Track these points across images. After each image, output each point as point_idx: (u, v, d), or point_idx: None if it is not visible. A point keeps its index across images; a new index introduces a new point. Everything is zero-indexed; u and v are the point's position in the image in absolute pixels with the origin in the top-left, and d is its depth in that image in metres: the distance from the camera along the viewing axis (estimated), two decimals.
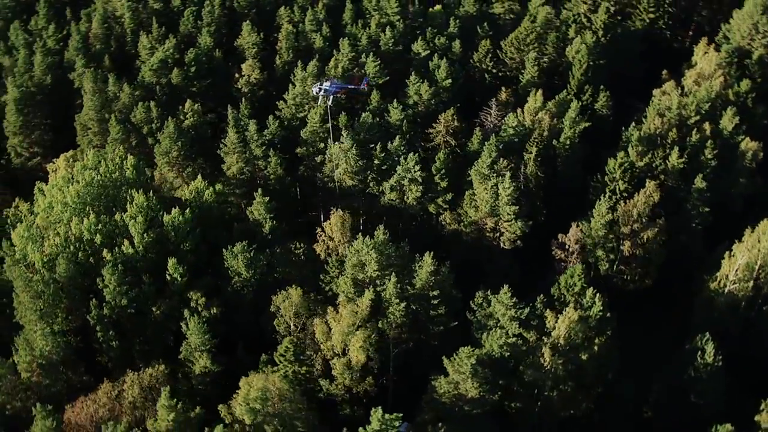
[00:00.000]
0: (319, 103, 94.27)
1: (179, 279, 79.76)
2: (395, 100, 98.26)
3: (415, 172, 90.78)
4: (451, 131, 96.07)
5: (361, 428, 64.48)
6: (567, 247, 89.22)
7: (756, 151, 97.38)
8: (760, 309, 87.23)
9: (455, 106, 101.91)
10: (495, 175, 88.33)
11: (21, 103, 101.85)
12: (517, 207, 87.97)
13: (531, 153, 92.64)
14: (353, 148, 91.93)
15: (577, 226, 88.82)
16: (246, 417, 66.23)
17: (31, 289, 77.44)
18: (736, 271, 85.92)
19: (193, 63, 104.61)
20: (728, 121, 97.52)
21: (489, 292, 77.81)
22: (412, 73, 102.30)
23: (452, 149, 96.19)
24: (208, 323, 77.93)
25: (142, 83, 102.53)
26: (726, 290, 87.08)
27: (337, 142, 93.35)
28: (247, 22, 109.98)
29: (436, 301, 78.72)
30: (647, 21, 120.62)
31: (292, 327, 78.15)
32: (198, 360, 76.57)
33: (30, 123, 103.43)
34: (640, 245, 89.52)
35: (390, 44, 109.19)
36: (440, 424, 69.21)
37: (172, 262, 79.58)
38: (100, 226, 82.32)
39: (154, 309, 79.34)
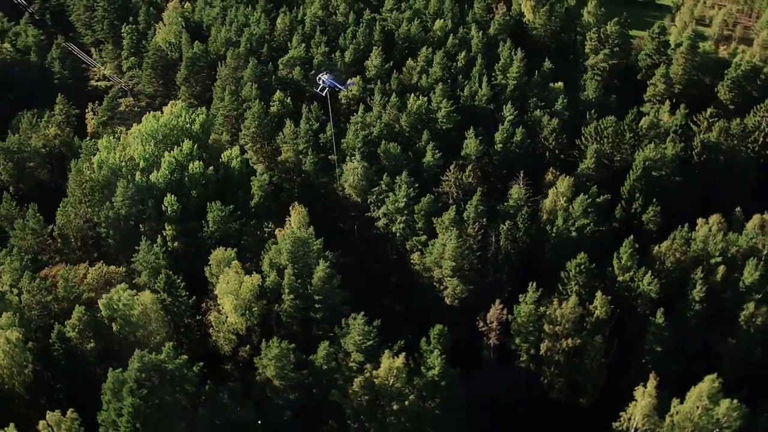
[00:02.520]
0: (318, 90, 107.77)
1: (169, 212, 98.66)
2: (433, 143, 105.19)
3: (401, 202, 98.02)
4: (458, 184, 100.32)
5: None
6: (490, 322, 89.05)
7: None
8: None
9: (502, 171, 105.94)
10: (453, 229, 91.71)
11: (191, 62, 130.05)
12: (454, 263, 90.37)
13: (505, 227, 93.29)
14: (361, 168, 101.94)
15: (500, 304, 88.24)
16: (102, 309, 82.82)
17: (79, 179, 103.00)
18: (635, 421, 78.55)
19: (316, 66, 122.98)
20: (749, 274, 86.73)
21: (356, 315, 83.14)
22: (471, 128, 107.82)
23: (455, 200, 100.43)
24: (169, 253, 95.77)
25: (271, 71, 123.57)
26: None
27: (350, 158, 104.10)
28: (379, 48, 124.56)
29: (318, 305, 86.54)
30: None
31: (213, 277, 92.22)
32: (142, 273, 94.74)
33: (195, 79, 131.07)
34: (560, 351, 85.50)
35: (483, 101, 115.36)
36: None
37: (169, 197, 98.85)
38: (146, 155, 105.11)
39: (141, 226, 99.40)
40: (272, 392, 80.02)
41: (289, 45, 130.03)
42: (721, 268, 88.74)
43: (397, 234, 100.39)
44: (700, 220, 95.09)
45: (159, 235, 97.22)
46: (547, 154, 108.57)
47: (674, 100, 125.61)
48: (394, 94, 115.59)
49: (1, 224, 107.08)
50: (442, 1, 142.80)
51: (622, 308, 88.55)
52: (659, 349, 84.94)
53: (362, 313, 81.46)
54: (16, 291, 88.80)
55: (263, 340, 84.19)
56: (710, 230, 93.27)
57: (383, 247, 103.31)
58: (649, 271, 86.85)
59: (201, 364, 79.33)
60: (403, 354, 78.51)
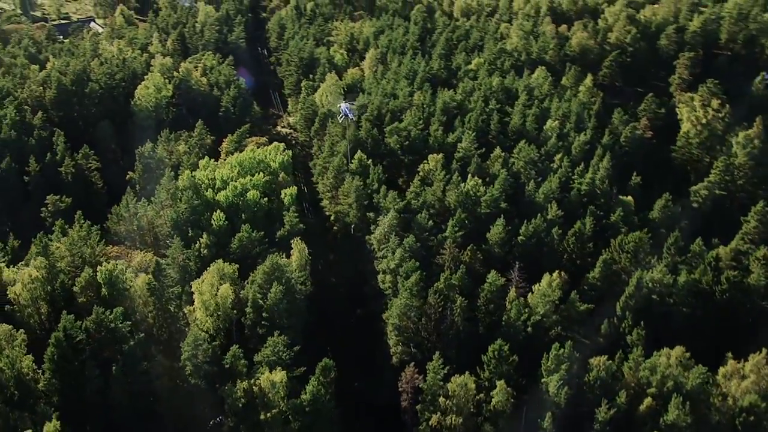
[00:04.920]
0: (339, 117, 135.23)
1: (214, 225, 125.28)
2: (455, 226, 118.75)
3: (392, 262, 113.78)
4: (452, 258, 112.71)
5: None
6: (405, 382, 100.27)
7: None
8: None
9: (513, 260, 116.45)
10: (412, 296, 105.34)
11: (324, 117, 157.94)
12: (397, 321, 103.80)
13: (458, 303, 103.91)
14: (389, 226, 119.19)
15: (415, 367, 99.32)
16: (99, 274, 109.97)
17: (167, 186, 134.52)
18: None
19: (413, 139, 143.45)
20: (671, 411, 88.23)
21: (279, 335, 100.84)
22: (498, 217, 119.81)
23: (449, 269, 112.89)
24: (200, 257, 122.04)
25: (376, 135, 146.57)
26: None
27: (384, 214, 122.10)
28: (473, 134, 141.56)
29: (264, 323, 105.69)
30: None
31: None
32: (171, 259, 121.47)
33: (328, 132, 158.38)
34: (450, 428, 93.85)
35: (542, 198, 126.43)
36: None
37: (217, 213, 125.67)
38: (225, 177, 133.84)
39: (189, 231, 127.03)
40: (184, 375, 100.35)
41: (402, 117, 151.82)
42: (648, 400, 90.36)
43: (386, 290, 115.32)
44: (664, 350, 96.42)
45: (198, 241, 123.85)
46: (564, 256, 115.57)
47: None
48: (457, 173, 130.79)
49: None
50: (581, 108, 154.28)
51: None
52: None
53: (278, 333, 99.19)
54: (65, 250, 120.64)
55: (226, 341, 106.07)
56: (667, 361, 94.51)
57: (381, 299, 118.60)
58: (557, 376, 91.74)
59: (142, 335, 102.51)
60: (285, 372, 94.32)
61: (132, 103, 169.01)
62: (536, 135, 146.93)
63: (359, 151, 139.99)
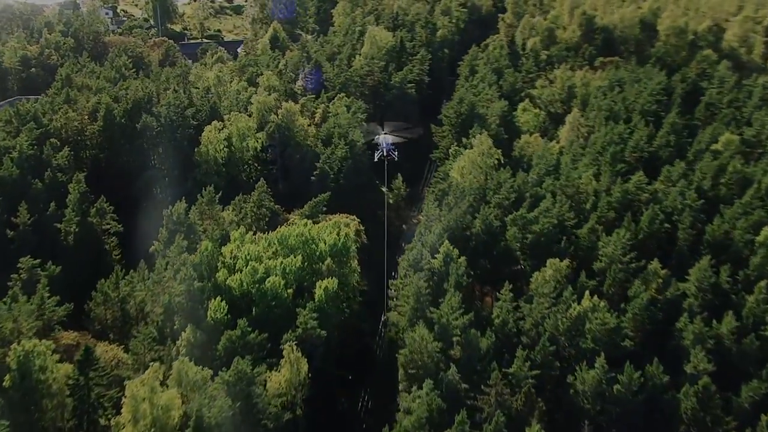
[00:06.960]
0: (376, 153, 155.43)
1: (210, 316, 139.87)
2: (528, 360, 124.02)
3: (412, 401, 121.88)
4: (500, 403, 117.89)
5: None
6: None
7: None
8: None
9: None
10: None
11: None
12: None
13: None
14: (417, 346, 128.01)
15: None
16: (11, 355, 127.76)
17: (173, 259, 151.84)
18: None
19: (539, 234, 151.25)
20: None
21: None
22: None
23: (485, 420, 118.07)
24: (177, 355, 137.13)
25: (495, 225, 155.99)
26: None
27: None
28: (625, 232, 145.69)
29: None
30: None
31: None
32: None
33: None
34: None
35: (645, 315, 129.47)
36: None
37: (216, 301, 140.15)
38: (253, 255, 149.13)
39: (176, 320, 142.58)
40: None
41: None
42: None
43: None
44: None
45: (180, 335, 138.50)
46: (681, 428, 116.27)
47: None
48: (571, 289, 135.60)
49: None
50: None
51: None
52: None
53: None
54: None
55: None
56: None
57: None
58: None
59: None
60: None
61: (196, 151, 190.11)
62: (748, 251, 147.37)
63: (447, 241, 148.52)
